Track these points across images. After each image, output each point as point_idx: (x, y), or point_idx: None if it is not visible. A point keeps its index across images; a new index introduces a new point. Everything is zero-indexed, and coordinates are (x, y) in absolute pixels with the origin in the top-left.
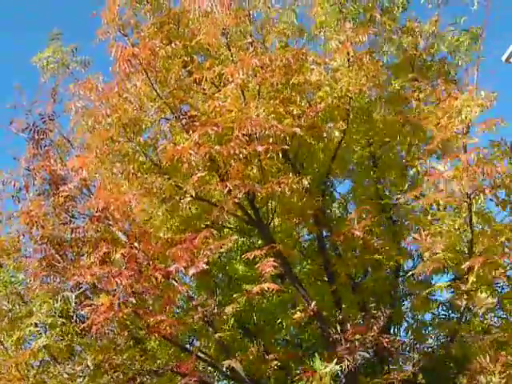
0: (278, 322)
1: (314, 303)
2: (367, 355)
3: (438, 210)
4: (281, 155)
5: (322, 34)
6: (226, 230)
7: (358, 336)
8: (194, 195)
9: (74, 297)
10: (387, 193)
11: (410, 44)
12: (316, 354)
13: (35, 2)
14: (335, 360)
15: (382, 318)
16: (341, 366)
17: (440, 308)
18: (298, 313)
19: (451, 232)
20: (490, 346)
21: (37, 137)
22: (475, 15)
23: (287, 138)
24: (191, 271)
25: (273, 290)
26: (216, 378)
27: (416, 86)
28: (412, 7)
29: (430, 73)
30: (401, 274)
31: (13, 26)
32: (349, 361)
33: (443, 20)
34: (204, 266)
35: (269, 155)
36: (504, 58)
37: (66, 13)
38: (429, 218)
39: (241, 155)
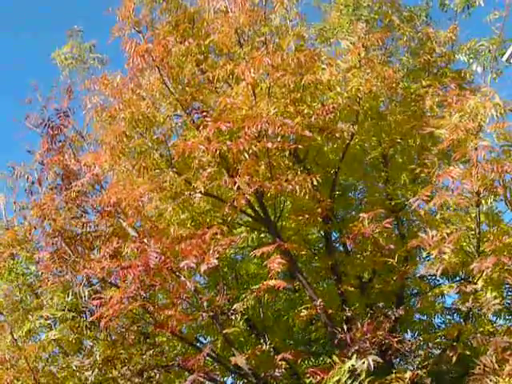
0: (286, 320)
1: (320, 300)
2: (379, 359)
3: (448, 209)
4: (291, 154)
5: (335, 35)
6: (237, 227)
7: (367, 335)
8: (202, 191)
9: (86, 291)
10: (397, 193)
11: (426, 49)
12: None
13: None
14: (354, 356)
15: (391, 317)
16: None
17: (446, 310)
18: (304, 310)
19: (460, 232)
20: (497, 349)
21: (51, 132)
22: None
23: (297, 137)
24: (202, 268)
25: (282, 287)
26: (221, 373)
27: (430, 91)
28: (435, 14)
29: (445, 78)
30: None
31: (30, 25)
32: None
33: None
34: (215, 262)
35: (278, 153)
36: (505, 58)
37: (82, 11)
38: (438, 217)
39: (250, 151)
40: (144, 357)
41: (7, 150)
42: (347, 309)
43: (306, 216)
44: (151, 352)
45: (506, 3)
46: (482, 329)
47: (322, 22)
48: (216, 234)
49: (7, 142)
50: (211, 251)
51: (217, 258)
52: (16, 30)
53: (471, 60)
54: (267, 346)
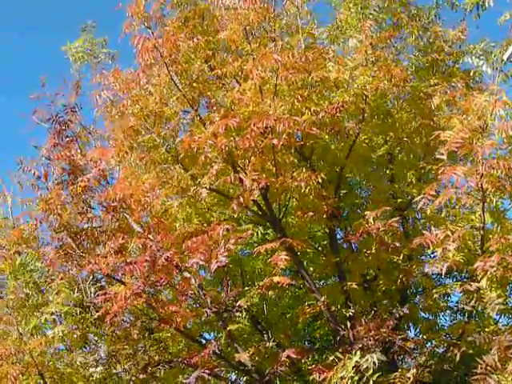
0: (290, 317)
1: (324, 297)
2: (383, 357)
3: (453, 207)
4: (296, 151)
5: (343, 33)
6: (242, 223)
7: (371, 333)
8: (208, 187)
9: (92, 288)
10: (403, 191)
11: (435, 48)
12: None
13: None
14: (358, 353)
15: (396, 315)
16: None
17: (450, 308)
18: (308, 307)
19: (464, 230)
20: (501, 347)
21: (59, 127)
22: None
23: (303, 135)
24: (212, 267)
25: (286, 284)
26: (225, 370)
27: (438, 89)
28: (444, 13)
29: (454, 77)
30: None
31: (38, 23)
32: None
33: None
34: (225, 260)
35: (284, 150)
36: (505, 57)
37: (91, 7)
38: (443, 215)
39: (257, 147)
40: (148, 352)
41: (14, 145)
42: (351, 306)
43: (311, 213)
44: (155, 348)
45: None
46: (485, 328)
47: (331, 20)
48: (225, 230)
49: (14, 138)
50: (221, 249)
51: (225, 256)
52: (23, 28)
53: (481, 62)
54: (271, 343)
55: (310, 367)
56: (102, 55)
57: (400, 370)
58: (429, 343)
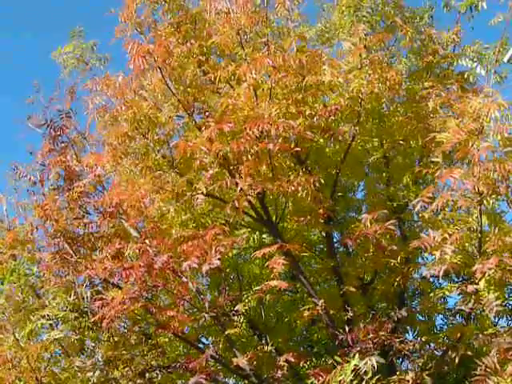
0: (288, 321)
1: (321, 301)
2: (383, 361)
3: (450, 209)
4: (292, 154)
5: (336, 36)
6: (239, 228)
7: (370, 336)
8: (204, 192)
9: (88, 292)
10: (399, 194)
11: (429, 51)
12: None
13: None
14: (356, 356)
15: (394, 318)
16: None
17: (448, 311)
18: (306, 311)
19: (461, 233)
20: (500, 349)
21: (53, 133)
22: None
23: (298, 138)
24: (204, 268)
25: (284, 288)
26: (223, 375)
27: (433, 92)
28: (438, 16)
29: (448, 80)
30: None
31: (30, 25)
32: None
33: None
34: (217, 262)
35: (280, 154)
36: (506, 58)
37: (83, 10)
38: (440, 217)
39: (252, 151)
40: (146, 358)
41: (9, 150)
42: (349, 310)
43: (308, 217)
44: (153, 353)
45: (509, 6)
46: (484, 330)
47: (323, 22)
48: (218, 234)
49: (9, 143)
50: (213, 252)
51: (218, 259)
52: (16, 30)
53: (474, 63)
54: (269, 347)
55: (308, 371)
56: (93, 60)
57: (399, 373)
58: (427, 346)
